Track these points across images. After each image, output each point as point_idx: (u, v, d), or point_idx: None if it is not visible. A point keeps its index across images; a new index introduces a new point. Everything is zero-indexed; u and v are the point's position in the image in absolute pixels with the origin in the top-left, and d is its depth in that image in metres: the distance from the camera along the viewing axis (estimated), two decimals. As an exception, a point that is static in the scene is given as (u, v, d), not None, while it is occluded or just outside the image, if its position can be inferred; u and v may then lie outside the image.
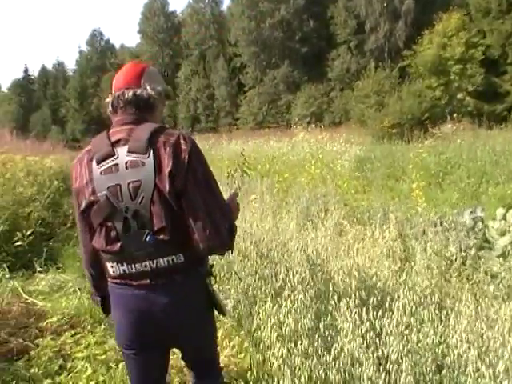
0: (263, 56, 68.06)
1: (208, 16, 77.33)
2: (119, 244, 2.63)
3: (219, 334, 5.10)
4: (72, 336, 5.88)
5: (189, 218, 2.61)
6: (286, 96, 63.84)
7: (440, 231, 5.65)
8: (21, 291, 7.31)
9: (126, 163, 2.60)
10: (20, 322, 6.23)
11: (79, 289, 7.40)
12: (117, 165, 2.61)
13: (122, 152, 2.63)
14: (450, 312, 3.41)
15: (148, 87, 2.83)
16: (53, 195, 11.73)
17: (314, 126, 28.74)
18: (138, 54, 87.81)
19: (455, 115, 28.21)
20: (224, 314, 3.10)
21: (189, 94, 76.63)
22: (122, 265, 2.68)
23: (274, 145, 23.13)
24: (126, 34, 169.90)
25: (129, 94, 2.78)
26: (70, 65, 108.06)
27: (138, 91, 2.80)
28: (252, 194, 9.34)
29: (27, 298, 7.13)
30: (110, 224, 2.64)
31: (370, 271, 4.19)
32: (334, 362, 2.99)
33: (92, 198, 2.66)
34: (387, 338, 2.94)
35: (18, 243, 9.01)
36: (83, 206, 2.70)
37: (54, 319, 6.30)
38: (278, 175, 12.99)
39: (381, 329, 3.13)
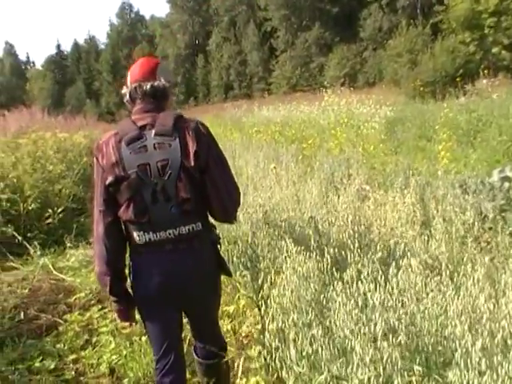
0: (294, 19, 67.63)
1: (237, -19, 76.79)
2: (147, 215, 3.03)
3: (240, 305, 5.16)
4: (99, 310, 6.00)
5: (210, 189, 3.10)
6: (319, 58, 63.54)
7: (460, 194, 5.56)
8: (51, 268, 7.44)
9: (154, 145, 3.02)
10: (50, 299, 6.37)
11: (108, 263, 7.50)
12: (145, 146, 3.02)
13: (150, 135, 3.04)
14: (459, 278, 3.36)
15: (163, 79, 3.23)
16: (83, 171, 11.85)
17: (343, 88, 28.32)
18: (169, 24, 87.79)
19: (490, 70, 27.57)
20: (231, 275, 3.54)
21: (221, 61, 76.64)
22: (148, 233, 3.06)
23: (304, 109, 22.93)
24: (155, 4, 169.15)
25: (147, 86, 3.18)
26: (102, 38, 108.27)
27: (155, 83, 3.19)
28: (277, 163, 9.28)
29: (57, 274, 7.25)
30: (138, 198, 3.02)
31: (384, 237, 4.17)
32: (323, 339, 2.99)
33: (122, 174, 3.01)
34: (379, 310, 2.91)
35: (49, 220, 9.15)
36: (110, 180, 3.03)
37: (82, 294, 6.42)
38: (305, 141, 12.89)
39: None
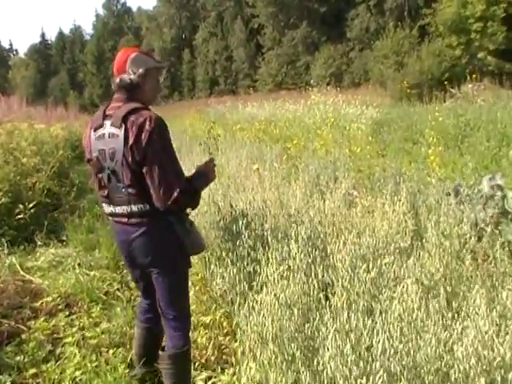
0: (281, 16, 67.40)
1: (225, -24, 76.45)
2: (107, 191, 3.62)
3: (217, 316, 4.82)
4: (66, 317, 5.64)
5: (148, 180, 3.45)
6: (305, 57, 63.36)
7: (454, 204, 5.24)
8: (18, 268, 7.07)
9: (109, 133, 3.50)
10: (14, 302, 5.97)
11: (79, 264, 7.13)
12: (103, 134, 3.54)
13: (108, 124, 3.52)
14: (460, 304, 3.03)
15: (131, 71, 3.60)
16: (59, 164, 11.44)
17: (330, 87, 28.07)
18: (155, 17, 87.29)
19: (475, 75, 27.46)
20: (194, 254, 3.93)
21: (207, 56, 76.34)
22: (110, 206, 3.68)
23: (289, 107, 22.60)
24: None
25: (117, 80, 3.63)
26: (87, 29, 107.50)
27: (123, 76, 3.60)
28: (260, 163, 8.94)
29: (24, 275, 6.87)
30: (100, 176, 3.61)
31: (376, 253, 3.82)
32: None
33: (89, 156, 3.66)
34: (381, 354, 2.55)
35: (20, 216, 8.72)
36: (85, 159, 3.76)
37: (49, 298, 6.06)
38: (290, 140, 12.56)
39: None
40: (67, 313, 5.73)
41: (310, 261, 3.50)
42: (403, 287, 3.08)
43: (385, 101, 27.47)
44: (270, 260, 3.54)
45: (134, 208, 3.55)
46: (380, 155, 11.55)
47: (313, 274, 3.16)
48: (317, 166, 8.12)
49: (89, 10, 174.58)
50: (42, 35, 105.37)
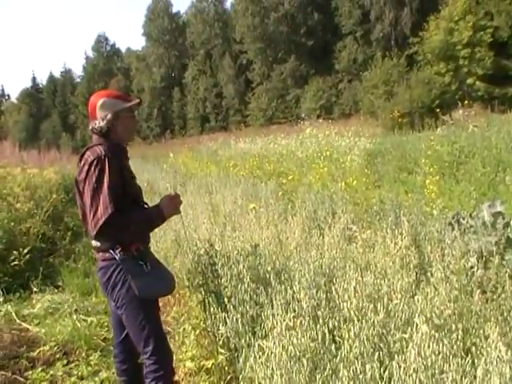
0: (269, 51, 67.93)
1: (212, 15, 77.45)
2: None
3: (219, 359, 4.66)
4: (64, 366, 5.48)
5: (85, 211, 3.56)
6: (294, 90, 63.71)
7: (457, 235, 5.13)
8: (14, 316, 6.92)
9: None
10: (10, 352, 5.82)
11: (75, 310, 6.98)
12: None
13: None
14: (476, 344, 2.91)
15: (99, 118, 3.77)
16: (52, 208, 11.31)
17: (321, 120, 28.18)
18: (144, 57, 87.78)
19: (466, 101, 27.58)
20: (147, 297, 3.69)
21: (197, 93, 76.61)
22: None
23: (281, 142, 22.60)
24: (131, 37, 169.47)
25: (89, 127, 3.84)
26: (77, 71, 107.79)
27: (94, 124, 3.79)
28: (254, 200, 8.85)
29: (20, 323, 6.72)
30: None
31: (381, 290, 3.70)
32: None
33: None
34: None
35: (15, 262, 8.58)
36: None
37: (47, 347, 5.89)
38: (284, 175, 12.49)
39: None
40: (65, 361, 5.58)
41: (315, 303, 3.36)
42: (414, 328, 2.95)
43: (376, 131, 27.47)
44: (274, 304, 3.36)
45: (93, 243, 3.70)
46: (375, 186, 11.47)
47: (320, 320, 3.00)
48: (314, 201, 8.02)
49: (78, 53, 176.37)
50: (33, 79, 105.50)
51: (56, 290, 8.07)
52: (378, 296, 3.52)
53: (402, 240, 4.77)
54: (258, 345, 3.24)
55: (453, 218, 6.37)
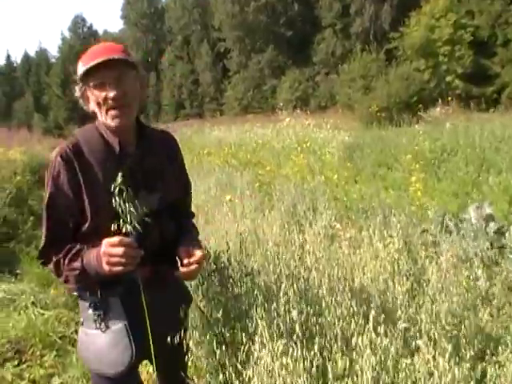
0: (247, 40, 67.40)
1: (191, 0, 76.39)
2: None
3: None
4: (15, 367, 4.94)
5: None
6: (271, 81, 63.28)
7: (456, 240, 4.71)
8: (-37, 307, 6.38)
9: None
10: (-45, 348, 5.28)
11: (33, 302, 6.43)
12: None
13: None
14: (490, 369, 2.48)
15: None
16: (16, 190, 10.77)
17: (299, 111, 27.84)
18: (122, 40, 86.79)
19: (448, 98, 27.46)
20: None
21: (173, 79, 75.99)
22: None
23: (258, 131, 22.18)
24: (108, 19, 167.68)
25: None
26: (53, 51, 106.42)
27: None
28: (229, 191, 8.39)
29: (-30, 315, 6.19)
30: None
31: (373, 301, 3.25)
32: None
33: None
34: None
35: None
36: None
37: (-3, 344, 5.35)
38: (261, 165, 12.04)
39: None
40: (16, 362, 5.06)
41: (303, 319, 2.86)
42: (418, 350, 2.51)
43: (353, 124, 27.21)
44: (258, 322, 2.78)
45: None
46: (354, 181, 11.09)
47: (315, 347, 2.50)
48: (293, 194, 7.56)
49: (55, 33, 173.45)
50: (8, 57, 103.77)
51: (13, 279, 7.52)
52: (375, 310, 3.04)
53: (392, 243, 4.31)
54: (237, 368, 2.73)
55: (435, 218, 6.00)
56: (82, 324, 2.65)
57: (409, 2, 48.08)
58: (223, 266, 3.62)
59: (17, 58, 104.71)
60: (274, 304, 2.98)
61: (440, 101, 28.42)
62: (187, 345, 2.84)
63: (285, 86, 59.17)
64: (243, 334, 2.82)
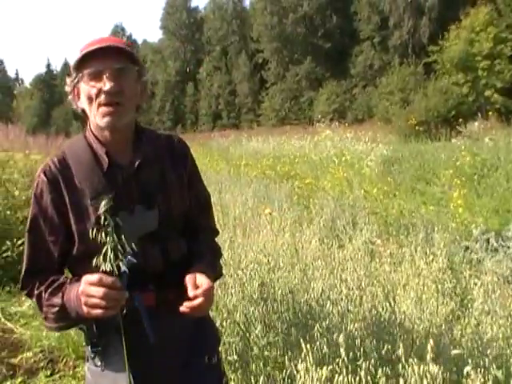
0: (285, 52, 67.55)
1: (230, 12, 77.02)
2: None
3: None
4: (47, 377, 4.88)
5: None
6: (309, 92, 63.24)
7: (503, 259, 4.58)
8: (0, 314, 6.36)
9: None
10: (-10, 356, 5.26)
11: (68, 312, 6.41)
12: None
13: None
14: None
15: None
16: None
17: (337, 123, 27.76)
18: (160, 50, 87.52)
19: (489, 112, 27.17)
20: None
21: (210, 90, 76.23)
22: None
23: (295, 143, 22.14)
24: (148, 29, 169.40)
25: None
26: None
27: None
28: (267, 203, 8.31)
29: (5, 322, 6.17)
30: None
31: (418, 324, 3.13)
32: None
33: None
34: None
35: (7, 253, 8.03)
36: None
37: (30, 353, 5.28)
38: (298, 177, 11.97)
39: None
40: (49, 372, 4.98)
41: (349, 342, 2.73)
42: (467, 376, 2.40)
43: (391, 138, 27.01)
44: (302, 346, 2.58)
45: None
46: (393, 195, 10.95)
47: (361, 373, 2.39)
48: (332, 208, 7.45)
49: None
50: (48, 65, 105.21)
51: (49, 286, 7.52)
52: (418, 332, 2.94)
53: (435, 261, 4.19)
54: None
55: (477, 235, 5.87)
56: (87, 360, 2.30)
57: (448, 15, 47.79)
58: (262, 282, 3.51)
59: (57, 66, 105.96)
60: (317, 325, 2.84)
61: (479, 115, 28.08)
62: None
63: (322, 98, 59.09)
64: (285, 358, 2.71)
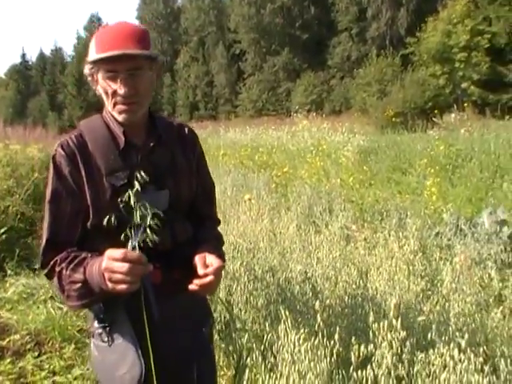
0: (263, 43, 67.57)
1: (207, 2, 76.75)
2: None
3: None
4: (35, 358, 5.02)
5: None
6: (286, 83, 63.39)
7: (472, 243, 4.80)
8: (-16, 300, 6.50)
9: None
10: (-23, 341, 5.40)
11: (51, 297, 6.54)
12: None
13: None
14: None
15: None
16: (34, 187, 10.87)
17: (315, 114, 27.89)
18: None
19: (467, 104, 27.45)
20: None
21: (187, 80, 76.05)
22: None
23: (273, 134, 22.30)
24: (124, 19, 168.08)
25: None
26: (68, 50, 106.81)
27: None
28: (245, 191, 8.47)
29: (-9, 308, 6.31)
30: None
31: (390, 300, 3.34)
32: None
33: None
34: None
35: (-11, 242, 8.15)
36: None
37: (17, 336, 5.43)
38: (276, 167, 12.15)
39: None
40: (36, 353, 5.13)
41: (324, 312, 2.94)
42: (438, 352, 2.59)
43: (368, 129, 27.22)
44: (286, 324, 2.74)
45: None
46: (369, 184, 11.17)
47: (335, 336, 2.58)
48: (309, 196, 7.65)
49: (70, 32, 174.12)
50: (23, 56, 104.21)
51: (32, 274, 7.60)
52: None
53: (407, 244, 4.40)
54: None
55: (450, 222, 6.08)
56: (93, 336, 2.31)
57: (426, 7, 48.21)
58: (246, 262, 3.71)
59: (32, 57, 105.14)
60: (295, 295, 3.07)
61: (455, 107, 28.39)
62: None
63: (300, 89, 59.25)
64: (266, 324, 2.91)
